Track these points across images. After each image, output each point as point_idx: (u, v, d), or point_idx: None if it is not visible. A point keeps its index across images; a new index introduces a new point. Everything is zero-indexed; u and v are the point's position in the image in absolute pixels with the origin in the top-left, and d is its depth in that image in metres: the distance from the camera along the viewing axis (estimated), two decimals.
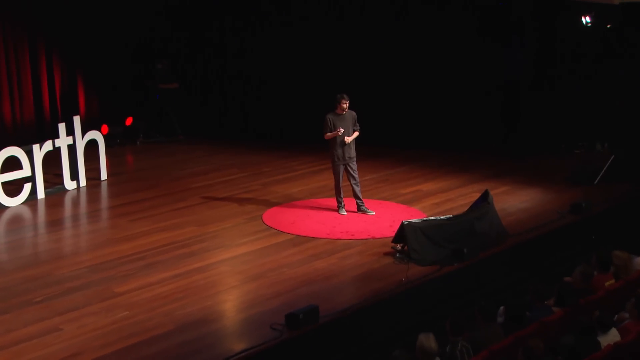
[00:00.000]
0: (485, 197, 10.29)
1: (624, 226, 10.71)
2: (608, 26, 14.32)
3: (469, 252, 9.21)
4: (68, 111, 15.06)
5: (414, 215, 10.70)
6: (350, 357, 7.69)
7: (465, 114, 15.42)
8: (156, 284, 8.54)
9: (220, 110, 17.48)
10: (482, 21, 15.22)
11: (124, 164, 14.94)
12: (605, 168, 12.58)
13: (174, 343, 7.18)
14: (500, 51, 15.13)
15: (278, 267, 9.07)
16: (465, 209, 10.47)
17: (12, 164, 11.69)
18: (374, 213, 11.02)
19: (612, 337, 6.67)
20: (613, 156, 12.77)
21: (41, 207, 11.64)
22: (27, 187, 11.74)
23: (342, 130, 10.55)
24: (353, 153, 10.81)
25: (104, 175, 13.08)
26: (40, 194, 11.91)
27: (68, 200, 12.12)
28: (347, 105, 10.65)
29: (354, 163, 10.85)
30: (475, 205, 10.30)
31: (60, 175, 12.44)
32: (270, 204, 11.59)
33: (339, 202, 11.05)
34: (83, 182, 12.63)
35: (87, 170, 12.72)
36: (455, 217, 9.99)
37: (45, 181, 12.04)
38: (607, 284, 7.70)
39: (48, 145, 12.13)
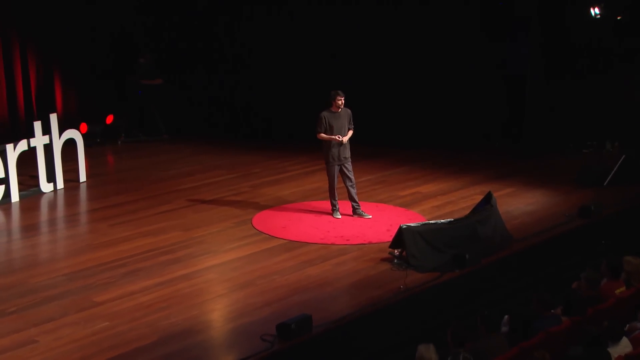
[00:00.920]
0: (488, 199, 10.32)
1: (636, 230, 10.74)
2: (618, 18, 14.38)
3: (471, 257, 9.23)
4: (44, 108, 15.03)
5: (413, 219, 10.71)
6: None
7: (467, 112, 15.47)
8: (138, 293, 8.52)
9: (207, 108, 17.49)
10: (484, 16, 15.27)
11: (104, 165, 14.93)
12: (615, 169, 12.62)
13: (157, 355, 7.17)
14: (504, 46, 15.17)
15: (268, 274, 9.07)
16: (467, 212, 10.50)
17: None
18: (370, 216, 11.03)
19: (623, 347, 6.68)
20: (624, 156, 12.82)
21: (15, 211, 11.61)
22: (0, 189, 11.71)
23: (341, 137, 10.57)
24: (348, 153, 10.82)
25: (82, 176, 13.07)
26: (15, 197, 11.88)
27: (44, 203, 12.11)
28: (343, 102, 10.67)
29: (350, 163, 10.86)
30: (477, 208, 10.32)
31: (36, 177, 12.42)
32: (260, 207, 11.60)
33: (333, 205, 11.06)
34: (60, 184, 12.62)
35: (64, 172, 12.71)
36: (456, 220, 10.00)
37: (19, 183, 12.04)
38: (617, 291, 7.72)
39: (23, 145, 12.10)
